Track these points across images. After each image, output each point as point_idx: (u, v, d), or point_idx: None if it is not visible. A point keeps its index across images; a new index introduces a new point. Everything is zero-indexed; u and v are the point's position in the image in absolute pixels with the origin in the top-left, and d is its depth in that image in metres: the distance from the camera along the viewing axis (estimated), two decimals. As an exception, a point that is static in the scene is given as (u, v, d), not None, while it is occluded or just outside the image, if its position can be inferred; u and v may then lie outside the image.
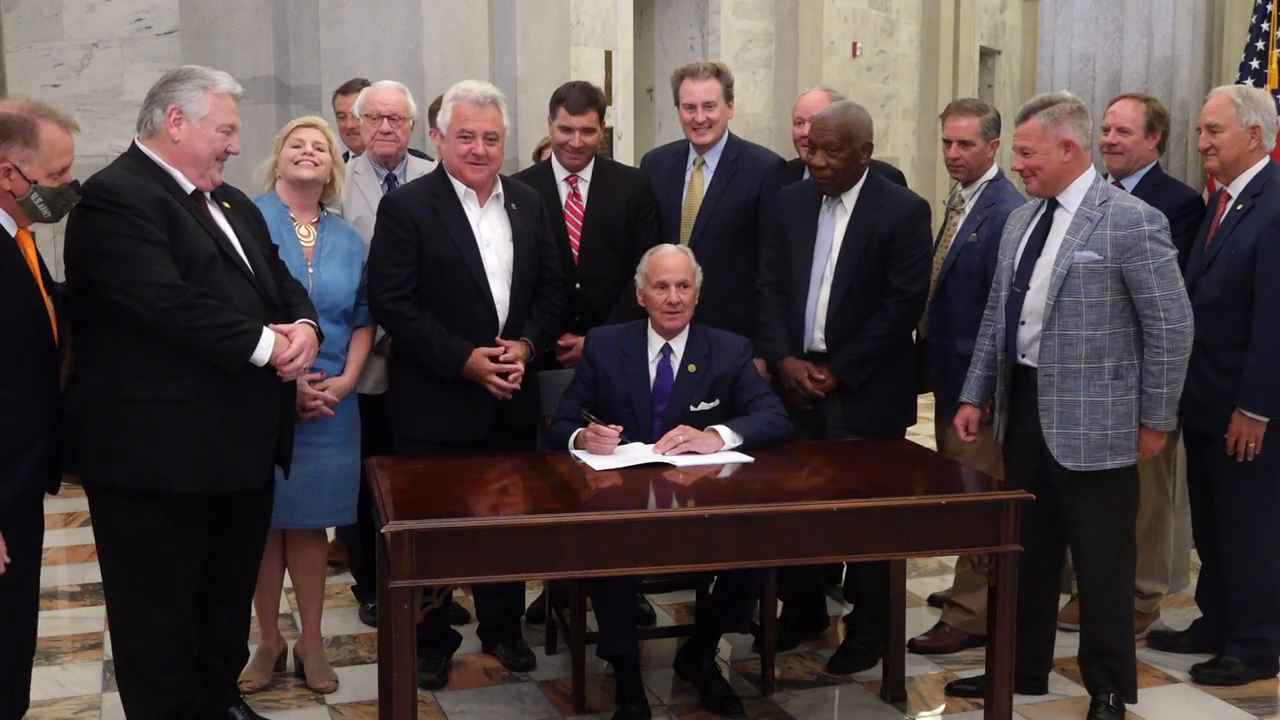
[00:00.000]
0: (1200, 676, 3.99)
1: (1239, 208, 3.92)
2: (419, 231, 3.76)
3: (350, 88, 4.74)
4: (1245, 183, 3.94)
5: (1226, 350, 3.89)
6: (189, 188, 3.16)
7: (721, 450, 3.57)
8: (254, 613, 3.96)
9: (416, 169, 4.30)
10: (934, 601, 4.58)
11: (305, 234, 3.76)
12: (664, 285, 3.74)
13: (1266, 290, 3.81)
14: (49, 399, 2.93)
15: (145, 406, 3.05)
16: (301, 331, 3.23)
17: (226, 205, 3.28)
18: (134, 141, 3.20)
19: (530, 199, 3.95)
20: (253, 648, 3.94)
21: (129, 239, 2.98)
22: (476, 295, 3.78)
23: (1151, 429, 3.56)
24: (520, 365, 3.80)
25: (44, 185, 2.87)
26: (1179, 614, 4.48)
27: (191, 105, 3.12)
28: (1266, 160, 3.96)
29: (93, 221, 3.00)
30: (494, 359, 3.76)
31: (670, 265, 3.76)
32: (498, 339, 3.80)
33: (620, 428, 3.59)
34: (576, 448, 3.63)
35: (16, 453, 2.85)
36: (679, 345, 3.81)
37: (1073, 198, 3.55)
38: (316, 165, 3.73)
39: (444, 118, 3.79)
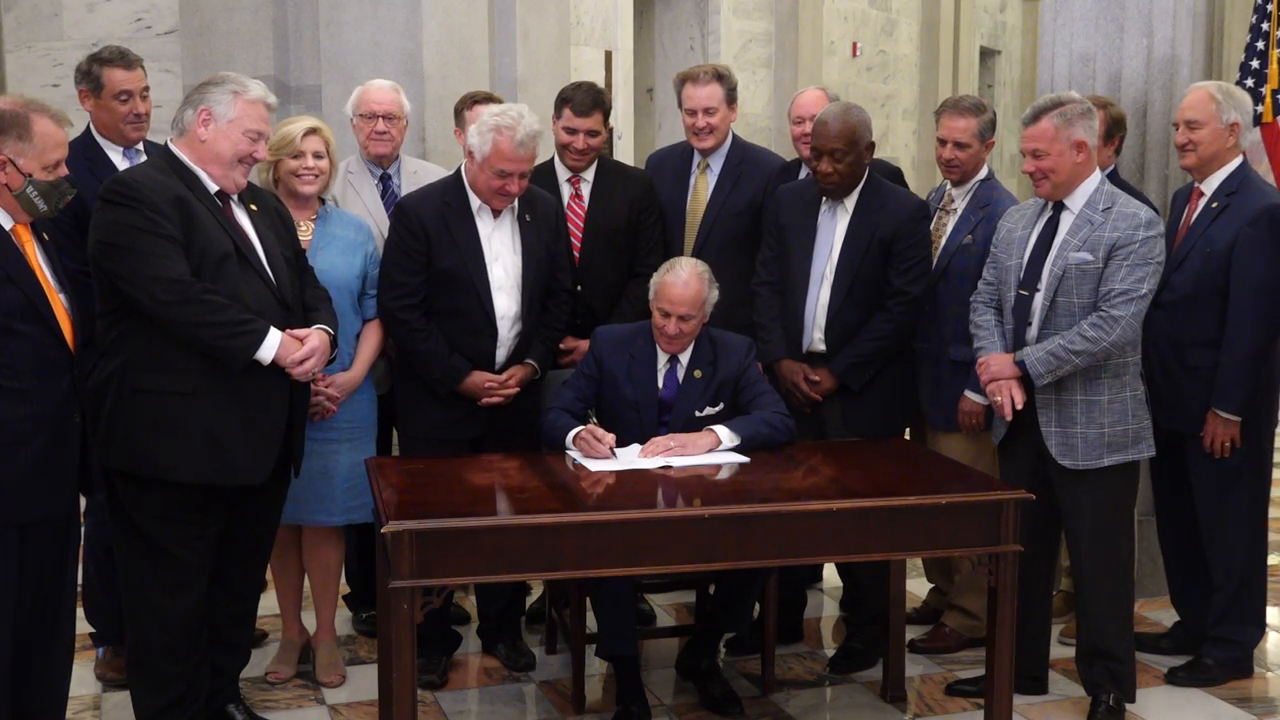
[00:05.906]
0: (1177, 680, 3.97)
1: (1213, 205, 3.88)
2: (429, 241, 3.76)
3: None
4: (1220, 180, 3.90)
5: (1196, 348, 3.86)
6: (212, 187, 3.23)
7: (717, 449, 3.57)
8: (277, 607, 4.04)
9: (411, 169, 4.30)
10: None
11: (304, 229, 3.79)
12: (667, 314, 3.69)
13: (1241, 290, 3.78)
14: (55, 392, 2.94)
15: (152, 397, 3.12)
16: (315, 336, 3.27)
17: (253, 207, 3.34)
18: (166, 142, 3.30)
19: (546, 207, 3.94)
20: (276, 643, 4.04)
21: (141, 233, 3.06)
22: (478, 308, 3.79)
23: (1009, 365, 3.53)
24: (514, 391, 3.83)
25: (39, 179, 2.91)
26: (1168, 615, 4.42)
27: (220, 108, 3.21)
28: (1240, 158, 3.92)
29: (109, 215, 3.10)
30: (492, 384, 3.80)
31: (677, 296, 3.66)
32: (499, 371, 3.82)
33: (614, 438, 3.58)
34: (572, 445, 3.62)
35: (18, 441, 2.87)
36: (685, 353, 3.79)
37: (1078, 199, 3.54)
38: (317, 177, 3.79)
39: (482, 147, 3.67)
